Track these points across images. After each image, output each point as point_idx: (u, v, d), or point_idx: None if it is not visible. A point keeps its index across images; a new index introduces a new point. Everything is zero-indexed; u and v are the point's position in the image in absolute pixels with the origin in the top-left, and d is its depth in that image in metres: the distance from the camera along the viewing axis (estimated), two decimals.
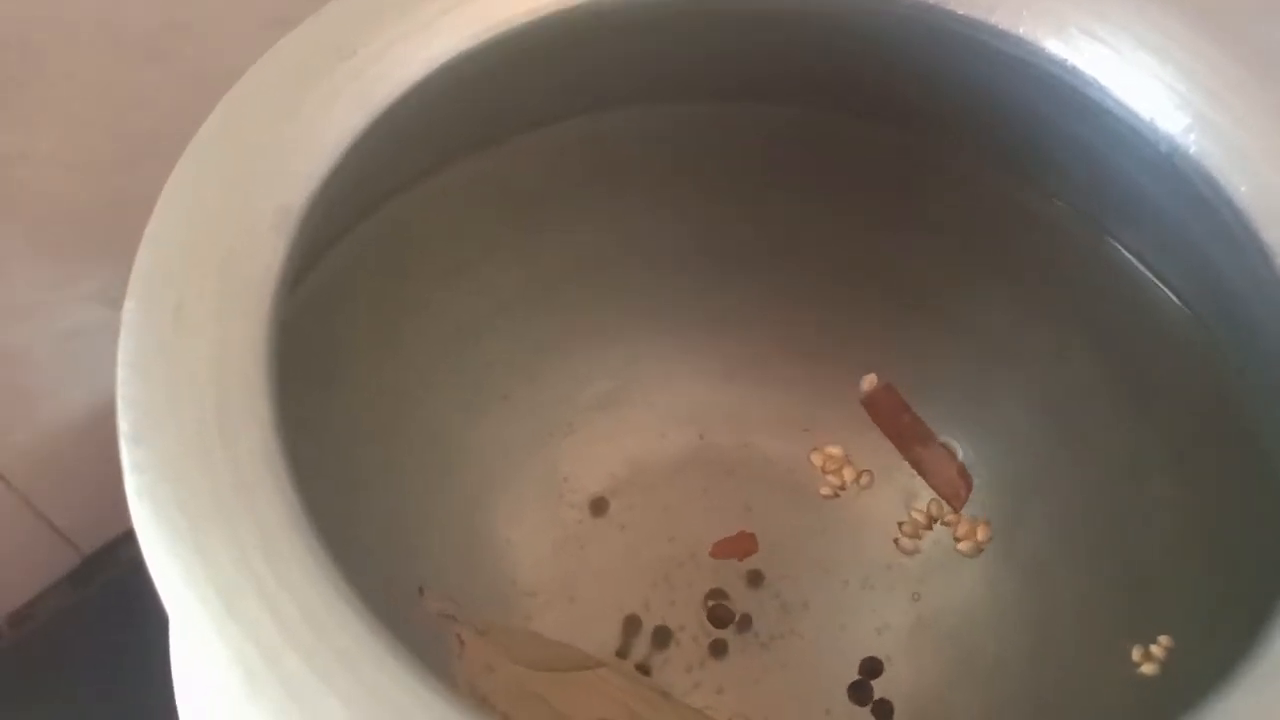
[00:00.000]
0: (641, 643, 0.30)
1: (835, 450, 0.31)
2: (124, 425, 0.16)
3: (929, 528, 0.30)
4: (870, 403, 0.29)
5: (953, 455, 0.30)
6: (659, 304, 0.32)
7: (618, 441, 0.32)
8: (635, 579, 0.30)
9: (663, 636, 0.30)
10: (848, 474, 0.31)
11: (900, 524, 0.31)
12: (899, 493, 0.31)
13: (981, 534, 0.30)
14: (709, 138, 0.28)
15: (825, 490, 0.32)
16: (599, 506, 0.31)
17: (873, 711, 0.29)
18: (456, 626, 0.27)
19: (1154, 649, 0.25)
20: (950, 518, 0.30)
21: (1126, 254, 0.25)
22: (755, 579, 0.31)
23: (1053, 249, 0.26)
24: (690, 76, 0.26)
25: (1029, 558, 0.29)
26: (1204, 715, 0.15)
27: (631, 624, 0.30)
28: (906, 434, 0.29)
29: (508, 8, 0.22)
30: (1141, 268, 0.25)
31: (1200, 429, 0.25)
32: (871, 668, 0.29)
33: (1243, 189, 0.20)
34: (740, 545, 0.29)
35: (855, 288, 0.31)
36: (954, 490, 0.29)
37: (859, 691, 0.28)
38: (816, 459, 0.31)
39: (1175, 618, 0.25)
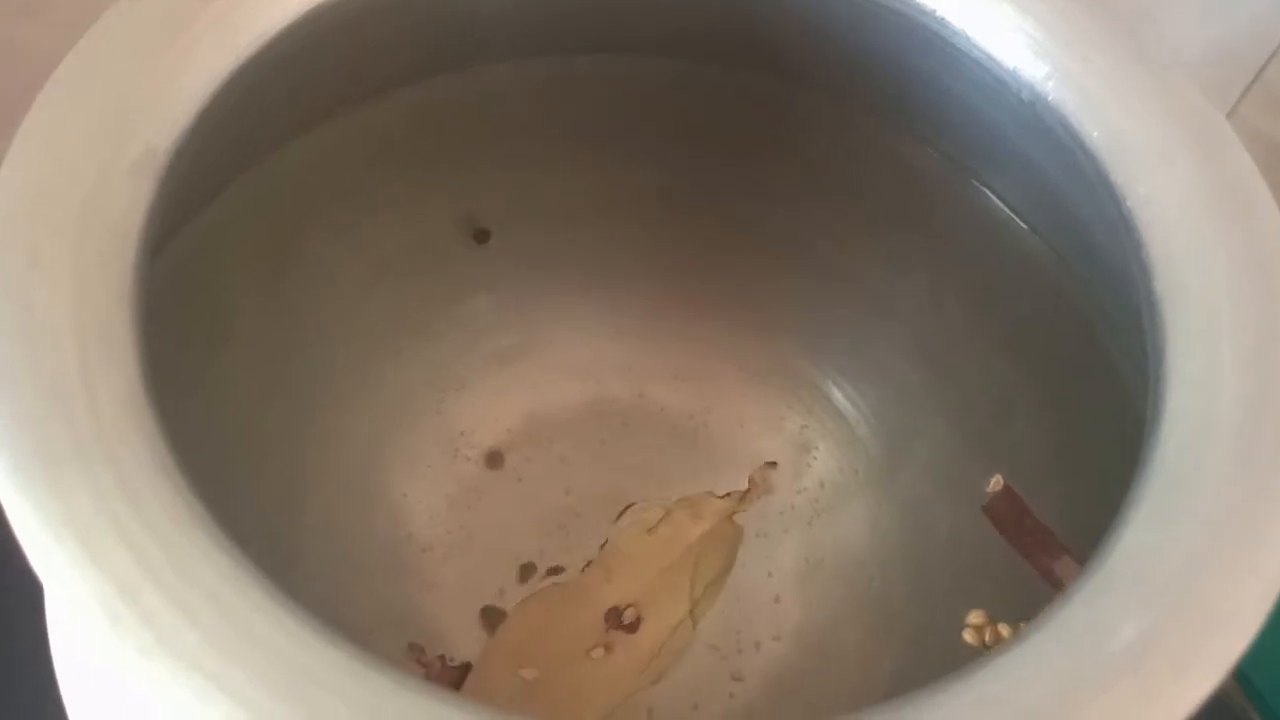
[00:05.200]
0: (535, 586, 0.30)
1: (978, 619, 0.27)
2: None
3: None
4: (992, 510, 0.27)
5: (1079, 568, 0.28)
6: (550, 259, 0.32)
7: (513, 395, 0.33)
8: (531, 529, 0.31)
9: (557, 575, 0.30)
10: (1005, 630, 0.27)
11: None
12: (789, 443, 0.32)
13: None
14: (588, 92, 0.28)
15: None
16: (495, 460, 0.32)
17: None
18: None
19: None
20: None
21: (994, 199, 0.26)
22: None
23: (926, 196, 0.27)
24: (566, 30, 0.26)
25: (909, 498, 0.30)
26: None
27: (527, 571, 0.30)
28: (1029, 543, 0.26)
29: None
30: (1009, 212, 0.25)
31: (1067, 366, 0.26)
32: None
33: (1095, 134, 0.21)
34: None
35: (742, 240, 0.31)
36: None
37: None
38: (971, 637, 0.27)
39: None
